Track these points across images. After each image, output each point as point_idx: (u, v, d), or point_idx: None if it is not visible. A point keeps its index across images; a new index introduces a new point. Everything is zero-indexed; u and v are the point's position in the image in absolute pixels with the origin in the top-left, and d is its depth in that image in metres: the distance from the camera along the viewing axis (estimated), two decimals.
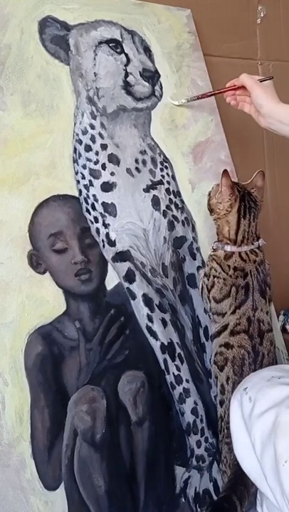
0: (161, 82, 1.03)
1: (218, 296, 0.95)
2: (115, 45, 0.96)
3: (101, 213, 0.92)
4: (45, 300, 0.85)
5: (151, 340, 0.94)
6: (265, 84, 0.94)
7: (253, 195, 0.97)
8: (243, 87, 0.96)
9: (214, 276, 0.95)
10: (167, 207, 1.00)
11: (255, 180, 0.99)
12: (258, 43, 1.25)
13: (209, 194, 0.99)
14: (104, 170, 0.93)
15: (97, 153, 0.93)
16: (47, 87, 0.90)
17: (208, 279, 0.96)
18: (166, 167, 1.02)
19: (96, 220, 0.91)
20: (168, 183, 1.01)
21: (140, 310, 0.93)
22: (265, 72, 1.23)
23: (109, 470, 0.84)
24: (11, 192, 0.84)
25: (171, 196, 1.01)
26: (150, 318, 0.94)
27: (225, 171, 0.92)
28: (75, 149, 0.91)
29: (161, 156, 1.02)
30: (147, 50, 1.02)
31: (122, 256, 0.93)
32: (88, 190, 0.91)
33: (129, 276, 0.93)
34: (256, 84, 0.92)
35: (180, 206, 1.03)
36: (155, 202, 0.99)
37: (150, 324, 0.94)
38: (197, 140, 1.08)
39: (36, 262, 0.85)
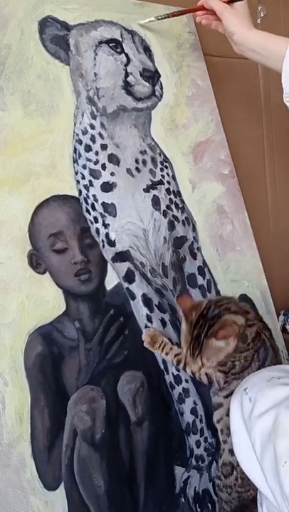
0: (162, 82, 1.02)
1: None
2: (115, 45, 0.96)
3: (101, 213, 0.92)
4: (45, 300, 0.85)
5: None
6: (238, 7, 0.86)
7: None
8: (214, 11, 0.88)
9: None
10: (167, 207, 1.00)
11: None
12: None
13: None
14: (104, 170, 0.93)
15: (97, 154, 0.93)
16: (47, 87, 0.89)
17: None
18: (167, 167, 1.02)
19: (96, 220, 0.91)
20: (168, 183, 1.01)
21: (139, 310, 0.93)
22: (266, 72, 1.23)
23: (109, 470, 0.84)
24: (11, 192, 0.84)
25: (172, 196, 1.01)
26: (149, 319, 0.94)
27: None
28: (75, 149, 0.91)
29: (162, 155, 1.01)
30: (147, 50, 1.01)
31: (122, 256, 0.93)
32: (88, 191, 0.91)
33: (129, 277, 0.93)
34: (226, 10, 0.84)
35: (180, 206, 1.02)
36: (155, 202, 0.99)
37: (149, 324, 0.94)
38: (197, 140, 1.08)
39: (36, 262, 0.85)
